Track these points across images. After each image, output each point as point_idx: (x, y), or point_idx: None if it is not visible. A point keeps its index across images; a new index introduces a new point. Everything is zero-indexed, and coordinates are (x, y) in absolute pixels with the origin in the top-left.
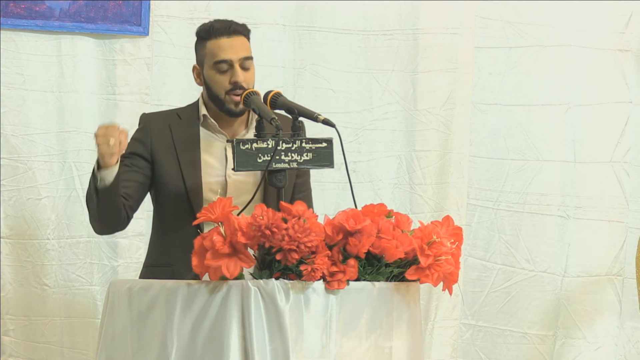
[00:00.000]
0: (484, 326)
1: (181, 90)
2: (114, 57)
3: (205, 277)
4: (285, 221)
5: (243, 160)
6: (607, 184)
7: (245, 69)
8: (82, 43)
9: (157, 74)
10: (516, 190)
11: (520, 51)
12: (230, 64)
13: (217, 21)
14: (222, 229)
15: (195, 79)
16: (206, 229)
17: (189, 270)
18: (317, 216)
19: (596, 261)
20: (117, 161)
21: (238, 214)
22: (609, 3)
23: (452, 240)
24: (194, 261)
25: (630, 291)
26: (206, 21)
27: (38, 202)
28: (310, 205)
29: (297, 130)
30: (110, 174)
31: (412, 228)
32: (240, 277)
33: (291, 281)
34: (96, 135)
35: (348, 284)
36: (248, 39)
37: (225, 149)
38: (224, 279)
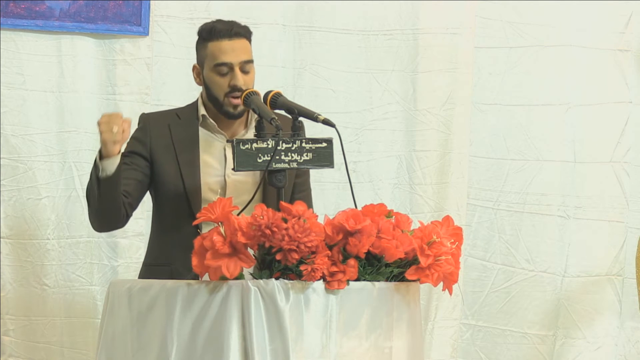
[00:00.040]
0: (484, 326)
1: (181, 90)
2: (114, 57)
3: (205, 277)
4: (285, 221)
5: (243, 160)
6: (607, 184)
7: (245, 72)
8: (82, 43)
9: (157, 74)
10: (516, 190)
11: (520, 51)
12: (231, 67)
13: (219, 22)
14: (222, 229)
15: (195, 79)
16: (205, 229)
17: (188, 269)
18: (317, 216)
19: (596, 261)
20: (119, 152)
21: (238, 214)
22: (609, 3)
23: (452, 240)
24: (194, 261)
25: (630, 291)
26: (207, 21)
27: (38, 202)
28: (310, 205)
29: (297, 130)
30: (112, 164)
31: (412, 228)
32: (240, 277)
33: (291, 281)
34: (99, 123)
35: (348, 284)
36: (249, 41)
37: (225, 149)
38: (224, 279)
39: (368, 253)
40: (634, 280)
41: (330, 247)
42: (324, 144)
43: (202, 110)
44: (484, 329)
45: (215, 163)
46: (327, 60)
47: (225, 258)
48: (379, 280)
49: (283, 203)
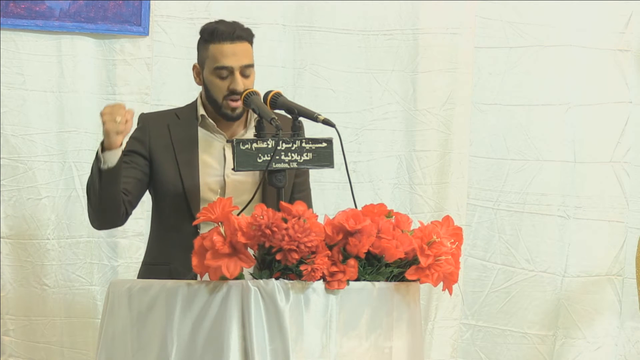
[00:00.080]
0: (484, 326)
1: (181, 90)
2: (114, 57)
3: (205, 277)
4: (285, 221)
5: (243, 160)
6: (607, 184)
7: (245, 76)
8: (82, 43)
9: (157, 74)
10: (516, 190)
11: (520, 51)
12: (231, 71)
13: (221, 23)
14: (222, 229)
15: (195, 78)
16: (203, 229)
17: (187, 269)
18: (317, 216)
19: (596, 261)
20: (121, 144)
21: (238, 214)
22: (609, 3)
23: (452, 240)
24: (194, 261)
25: (630, 291)
26: (207, 21)
27: (38, 202)
28: (309, 205)
29: (297, 130)
30: (114, 156)
31: (412, 228)
32: (240, 277)
33: (291, 281)
34: (102, 114)
35: (348, 284)
36: (251, 43)
37: (224, 149)
38: (224, 279)
39: (368, 253)
40: (634, 280)
41: (330, 247)
42: (324, 144)
43: (201, 110)
44: (484, 329)
45: (215, 163)
46: (327, 60)
47: (225, 258)
48: (379, 280)
49: (283, 203)
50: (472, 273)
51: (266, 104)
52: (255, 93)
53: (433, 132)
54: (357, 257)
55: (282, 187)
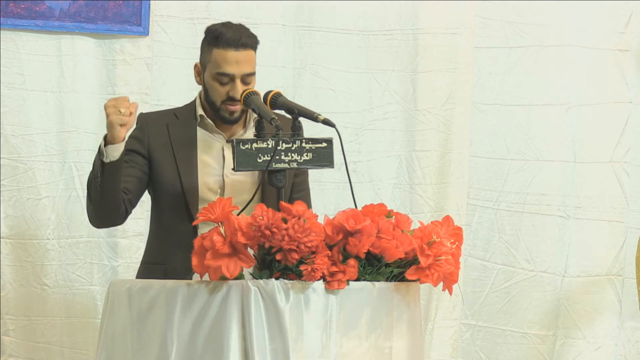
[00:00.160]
0: (484, 326)
1: (181, 90)
2: (114, 57)
3: (205, 277)
4: (285, 221)
5: (243, 160)
6: (607, 184)
7: (245, 83)
8: (82, 43)
9: (157, 74)
10: (516, 190)
11: (520, 51)
12: (232, 78)
13: (228, 28)
14: (222, 229)
15: (195, 77)
16: (202, 228)
17: (184, 268)
18: (317, 216)
19: (596, 261)
20: (124, 139)
21: (238, 214)
22: (609, 3)
23: (452, 240)
24: (194, 261)
25: (630, 291)
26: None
27: (38, 202)
28: (308, 204)
29: (297, 130)
30: (116, 150)
31: (412, 228)
32: (240, 277)
33: (291, 281)
34: (106, 106)
35: (348, 284)
36: (255, 50)
37: (223, 149)
38: (224, 279)
39: (368, 253)
40: (634, 280)
41: (330, 247)
42: (324, 144)
43: (199, 111)
44: (484, 329)
45: (214, 163)
46: (327, 60)
47: (225, 258)
48: (379, 280)
49: (283, 203)
50: (472, 273)
51: (266, 104)
52: (255, 93)
53: (433, 132)
54: (357, 257)
55: (282, 187)
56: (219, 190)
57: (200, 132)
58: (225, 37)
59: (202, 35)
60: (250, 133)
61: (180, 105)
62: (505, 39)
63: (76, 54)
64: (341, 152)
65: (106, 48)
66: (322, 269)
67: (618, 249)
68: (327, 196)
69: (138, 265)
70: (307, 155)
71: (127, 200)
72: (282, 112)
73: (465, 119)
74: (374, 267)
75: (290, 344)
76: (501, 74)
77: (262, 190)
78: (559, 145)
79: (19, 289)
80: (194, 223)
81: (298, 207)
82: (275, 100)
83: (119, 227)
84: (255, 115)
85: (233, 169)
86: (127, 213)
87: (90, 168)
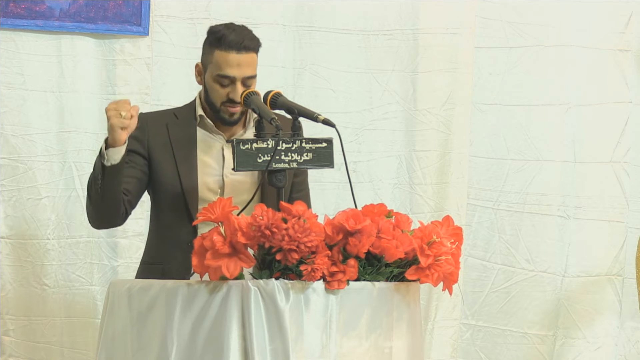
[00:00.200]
0: (484, 326)
1: (181, 90)
2: (114, 57)
3: (205, 277)
4: (285, 221)
5: (243, 160)
6: (607, 184)
7: (246, 86)
8: (82, 43)
9: (157, 74)
10: (516, 190)
11: (520, 51)
12: (232, 81)
13: (230, 29)
14: (222, 229)
15: (196, 77)
16: (202, 228)
17: (183, 269)
18: (317, 216)
19: (596, 261)
20: (125, 142)
21: (238, 214)
22: (609, 3)
23: (452, 240)
24: (194, 261)
25: (630, 291)
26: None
27: (38, 202)
28: (308, 204)
29: (297, 130)
30: (117, 153)
31: (412, 228)
32: (240, 277)
33: (291, 281)
34: (107, 110)
35: (348, 284)
36: (257, 53)
37: (222, 149)
38: (224, 279)
39: (368, 253)
40: (634, 280)
41: (330, 247)
42: (324, 144)
43: (199, 111)
44: (484, 329)
45: (213, 163)
46: (327, 60)
47: (225, 258)
48: (379, 280)
49: (283, 203)
50: (472, 273)
51: (266, 104)
52: (255, 93)
53: (433, 132)
54: (357, 257)
55: (282, 187)
56: (218, 190)
57: (200, 132)
58: (227, 39)
59: (203, 35)
60: (250, 133)
61: (180, 105)
62: (505, 39)
63: (76, 54)
64: (341, 152)
65: (106, 48)
66: (322, 269)
67: (618, 249)
68: (327, 196)
69: (138, 265)
70: (307, 155)
71: (127, 201)
72: (282, 112)
73: (465, 119)
74: (374, 267)
75: (290, 344)
76: (501, 74)
77: (262, 190)
78: (559, 145)
79: (19, 289)
80: (194, 223)
81: (298, 207)
82: (275, 100)
83: (118, 227)
84: (255, 115)
85: (233, 169)
86: (127, 214)
87: (91, 168)
